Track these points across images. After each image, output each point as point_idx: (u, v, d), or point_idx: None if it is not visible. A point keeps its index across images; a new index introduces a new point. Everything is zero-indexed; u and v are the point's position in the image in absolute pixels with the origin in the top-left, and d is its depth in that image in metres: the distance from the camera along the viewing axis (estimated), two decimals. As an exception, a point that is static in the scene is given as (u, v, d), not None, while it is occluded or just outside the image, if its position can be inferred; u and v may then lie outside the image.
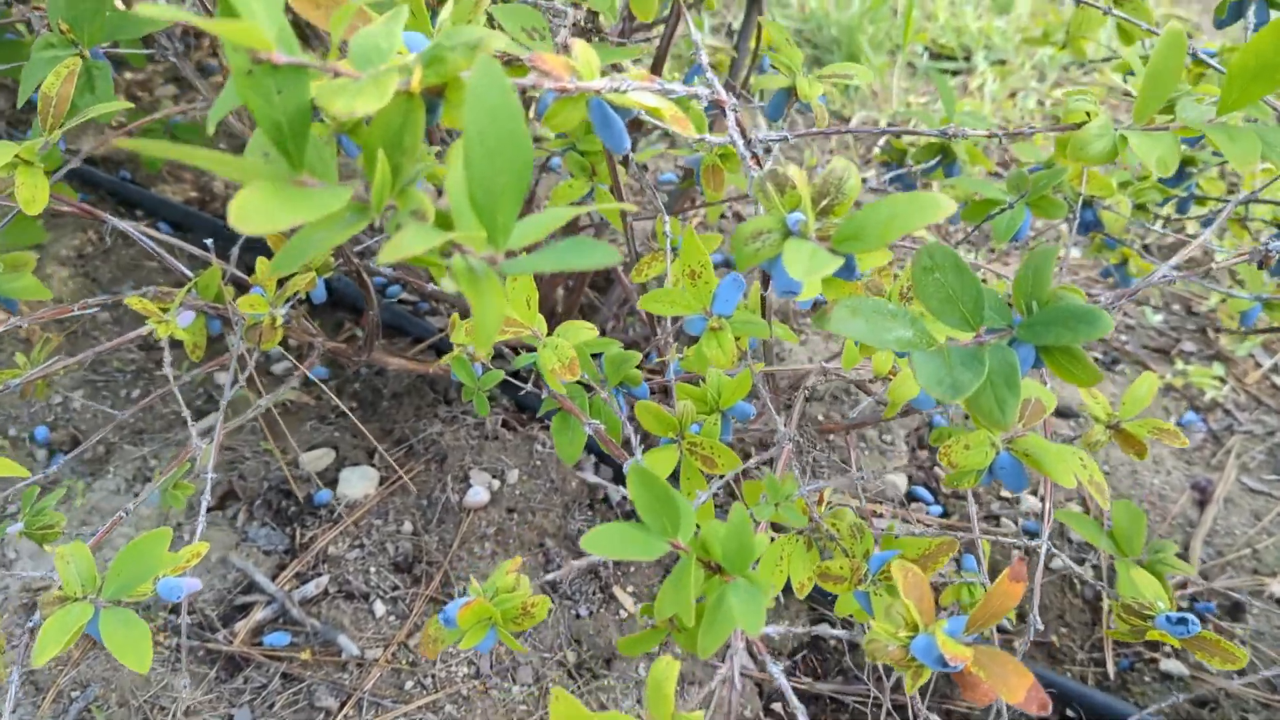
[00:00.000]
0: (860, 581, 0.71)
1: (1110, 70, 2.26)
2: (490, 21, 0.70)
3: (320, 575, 1.37)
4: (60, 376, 1.62)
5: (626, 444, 0.81)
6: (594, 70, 0.53)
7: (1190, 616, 0.76)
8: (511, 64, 0.62)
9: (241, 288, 1.20)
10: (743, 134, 0.63)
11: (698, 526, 0.62)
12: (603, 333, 1.74)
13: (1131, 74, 1.38)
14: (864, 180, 2.11)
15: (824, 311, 0.58)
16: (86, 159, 1.87)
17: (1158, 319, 1.82)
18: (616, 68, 0.71)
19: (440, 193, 0.59)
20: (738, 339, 0.71)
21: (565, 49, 0.66)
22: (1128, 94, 2.16)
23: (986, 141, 2.19)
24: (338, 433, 1.56)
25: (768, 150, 0.64)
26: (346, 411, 1.48)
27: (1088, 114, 0.58)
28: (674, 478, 0.90)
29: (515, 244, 0.45)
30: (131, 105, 0.83)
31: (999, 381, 0.57)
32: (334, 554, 1.40)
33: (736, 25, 2.64)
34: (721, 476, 0.83)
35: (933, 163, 1.24)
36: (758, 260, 0.54)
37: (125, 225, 1.10)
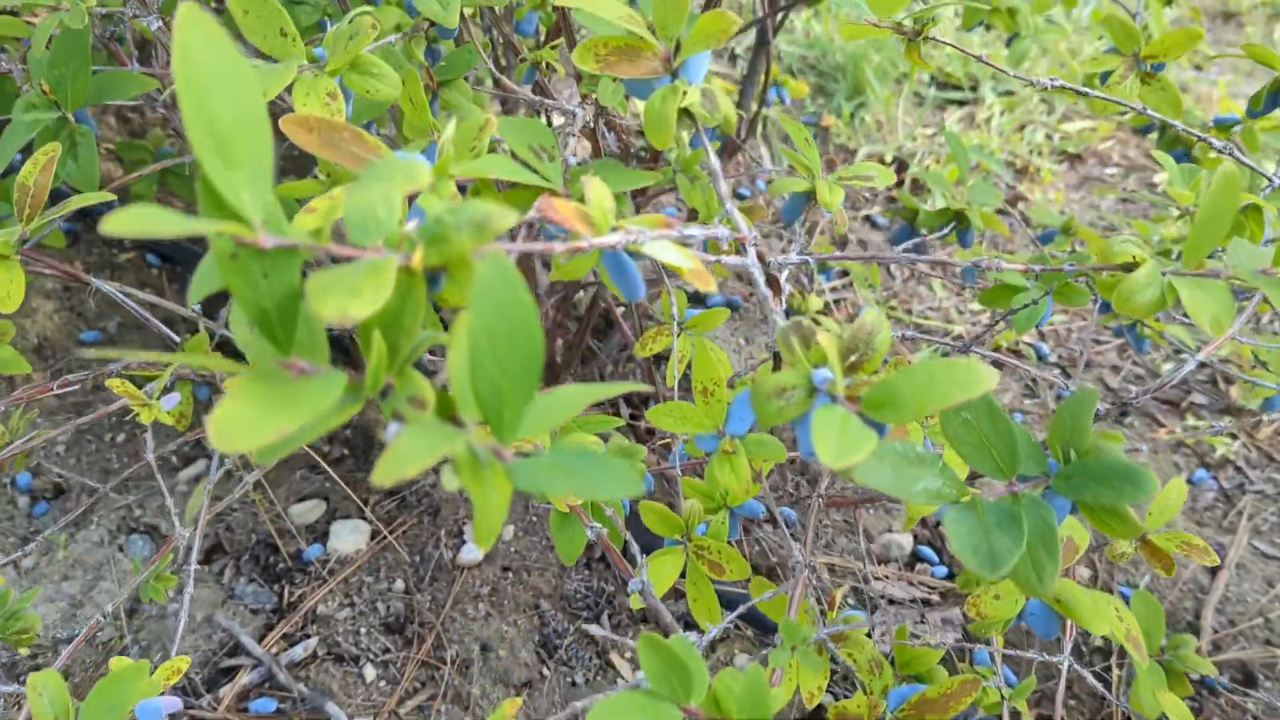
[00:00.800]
0: (878, 721, 0.67)
1: (1128, 122, 2.22)
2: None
3: (309, 636, 1.33)
4: (42, 418, 1.58)
5: (626, 552, 0.78)
6: (608, 215, 0.50)
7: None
8: (518, 189, 0.58)
9: (231, 348, 1.16)
10: (762, 261, 0.59)
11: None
12: (600, 377, 1.71)
13: (1149, 130, 1.35)
14: (868, 217, 2.08)
15: (848, 457, 0.55)
16: (74, 187, 1.82)
17: (1168, 367, 1.79)
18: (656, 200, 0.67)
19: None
20: (751, 461, 0.68)
21: (577, 175, 0.62)
22: (1138, 131, 2.13)
23: (999, 169, 2.16)
24: (328, 483, 1.52)
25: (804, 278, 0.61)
26: (335, 477, 1.44)
27: (1134, 258, 0.55)
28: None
29: (524, 435, 0.41)
30: (114, 197, 0.78)
31: (1037, 545, 0.53)
32: (323, 613, 1.36)
33: (739, 49, 2.60)
34: (733, 578, 0.80)
35: (946, 229, 1.20)
36: (781, 420, 0.51)
37: (109, 288, 1.06)
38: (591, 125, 0.67)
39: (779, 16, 1.40)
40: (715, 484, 0.67)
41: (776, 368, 0.88)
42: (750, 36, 2.40)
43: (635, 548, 0.76)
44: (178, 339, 1.08)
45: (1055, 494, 0.58)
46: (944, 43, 0.71)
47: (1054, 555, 0.53)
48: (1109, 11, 0.92)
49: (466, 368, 0.40)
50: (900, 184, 2.18)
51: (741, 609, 0.72)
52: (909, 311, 1.84)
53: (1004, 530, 0.53)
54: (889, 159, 2.21)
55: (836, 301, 1.85)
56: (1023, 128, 2.31)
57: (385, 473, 0.37)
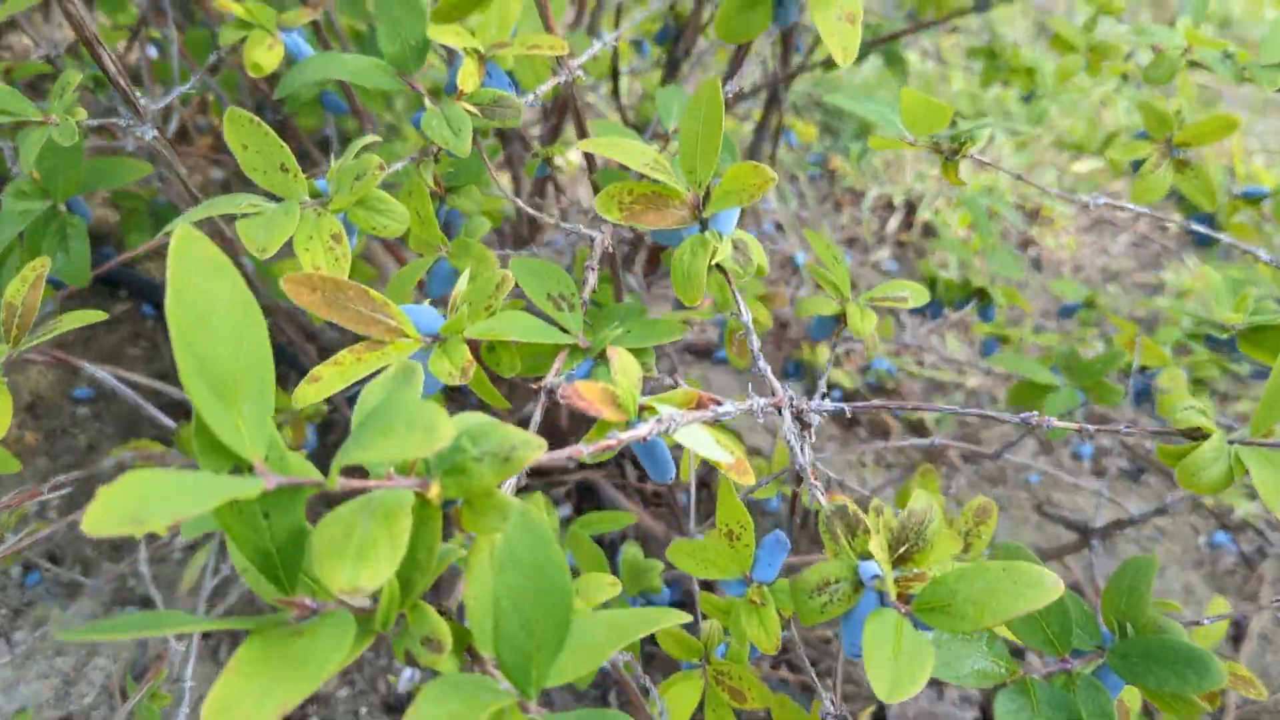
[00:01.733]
0: None
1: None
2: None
3: (308, 717, 1.29)
4: (33, 481, 1.54)
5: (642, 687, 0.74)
6: (635, 394, 0.46)
7: None
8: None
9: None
10: (797, 418, 0.56)
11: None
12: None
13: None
14: (876, 264, 2.04)
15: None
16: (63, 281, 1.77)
17: (1184, 422, 1.76)
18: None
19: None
20: (780, 610, 0.64)
21: (597, 321, 0.58)
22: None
23: (1010, 214, 2.12)
24: (328, 550, 1.48)
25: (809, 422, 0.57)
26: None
27: (1200, 428, 0.51)
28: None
29: (551, 684, 0.38)
30: (105, 315, 0.75)
31: (1096, 739, 0.50)
32: (323, 692, 1.32)
33: (748, 88, 2.57)
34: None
35: (966, 303, 1.17)
36: (824, 619, 0.47)
37: (103, 374, 1.02)
38: (611, 250, 0.64)
39: (790, 79, 1.37)
40: (742, 636, 0.63)
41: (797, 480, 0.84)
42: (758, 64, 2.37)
43: (652, 687, 0.72)
44: (173, 424, 1.05)
45: (1110, 671, 0.54)
46: (984, 161, 0.68)
47: (1115, 752, 0.49)
48: (1142, 99, 0.89)
49: (489, 616, 0.36)
50: (909, 226, 2.14)
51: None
52: (920, 364, 1.81)
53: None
54: (897, 201, 2.17)
55: (847, 353, 1.82)
56: (1032, 168, 2.27)
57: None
